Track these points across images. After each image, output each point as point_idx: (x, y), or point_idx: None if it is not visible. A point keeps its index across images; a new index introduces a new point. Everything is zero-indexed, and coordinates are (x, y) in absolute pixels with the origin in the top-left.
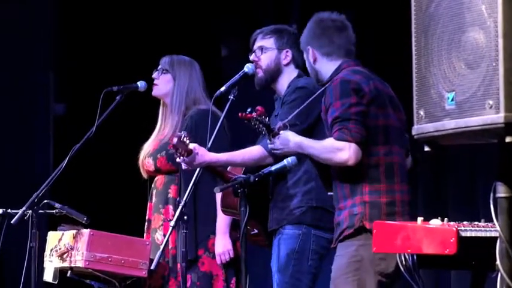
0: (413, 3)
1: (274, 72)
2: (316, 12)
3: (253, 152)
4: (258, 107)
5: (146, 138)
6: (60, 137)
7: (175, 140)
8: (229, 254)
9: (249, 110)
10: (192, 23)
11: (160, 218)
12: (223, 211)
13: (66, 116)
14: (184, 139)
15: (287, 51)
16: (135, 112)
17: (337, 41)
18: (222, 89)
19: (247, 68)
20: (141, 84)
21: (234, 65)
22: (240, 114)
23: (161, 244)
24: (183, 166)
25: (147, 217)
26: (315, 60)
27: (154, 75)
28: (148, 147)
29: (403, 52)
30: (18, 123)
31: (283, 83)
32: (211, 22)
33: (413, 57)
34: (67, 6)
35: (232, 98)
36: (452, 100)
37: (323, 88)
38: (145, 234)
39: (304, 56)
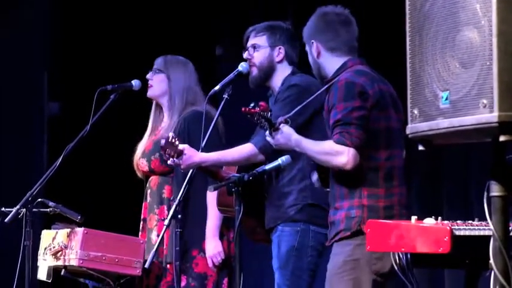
0: (407, 2)
1: (268, 70)
2: (310, 11)
3: (244, 150)
4: (261, 103)
5: (140, 137)
6: (55, 135)
7: (163, 141)
8: (220, 255)
9: (252, 104)
10: (187, 23)
11: (155, 218)
12: (219, 210)
13: (61, 114)
14: (173, 140)
15: (280, 48)
16: (129, 111)
17: (342, 36)
18: (217, 88)
19: (242, 66)
20: (135, 83)
21: (228, 64)
22: (243, 108)
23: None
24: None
25: (142, 216)
26: (318, 54)
27: (149, 75)
28: (142, 147)
29: (398, 51)
30: (12, 121)
31: (277, 80)
32: (206, 22)
33: (408, 56)
34: (62, 5)
35: (226, 96)
36: (446, 99)
37: (327, 86)
38: (140, 233)
39: (307, 49)
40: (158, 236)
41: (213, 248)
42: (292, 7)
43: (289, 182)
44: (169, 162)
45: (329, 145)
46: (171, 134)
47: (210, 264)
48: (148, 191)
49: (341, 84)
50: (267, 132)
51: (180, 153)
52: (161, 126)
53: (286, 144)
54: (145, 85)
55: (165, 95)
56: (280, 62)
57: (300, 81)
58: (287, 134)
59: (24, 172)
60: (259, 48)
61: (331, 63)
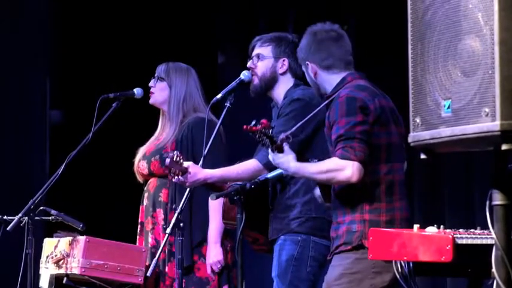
0: (409, 11)
1: (270, 81)
2: (312, 19)
3: (248, 166)
4: (263, 120)
5: (142, 145)
6: (57, 143)
7: (167, 160)
8: (220, 263)
9: (253, 122)
10: (189, 30)
11: (151, 221)
12: (224, 223)
13: (63, 122)
14: (177, 159)
15: (284, 60)
16: (131, 119)
17: (335, 53)
18: (219, 96)
19: (244, 75)
20: (137, 91)
21: (230, 72)
22: (244, 126)
23: (152, 247)
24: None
25: (139, 220)
26: (315, 74)
27: (151, 83)
28: (143, 150)
29: (400, 60)
30: (14, 129)
31: (280, 92)
32: (208, 28)
33: (410, 64)
34: (64, 12)
35: (228, 105)
36: (448, 108)
37: (327, 101)
38: (138, 237)
39: (304, 69)
40: (154, 239)
41: (213, 255)
42: (294, 15)
43: (293, 195)
44: (174, 180)
45: (333, 161)
46: (175, 153)
47: (209, 271)
48: (146, 194)
49: (342, 99)
50: (270, 149)
51: (185, 171)
52: (165, 132)
53: (283, 169)
54: (148, 92)
55: (167, 102)
56: (283, 74)
57: (302, 94)
58: (285, 163)
59: (26, 180)
60: (263, 59)
61: (329, 81)
